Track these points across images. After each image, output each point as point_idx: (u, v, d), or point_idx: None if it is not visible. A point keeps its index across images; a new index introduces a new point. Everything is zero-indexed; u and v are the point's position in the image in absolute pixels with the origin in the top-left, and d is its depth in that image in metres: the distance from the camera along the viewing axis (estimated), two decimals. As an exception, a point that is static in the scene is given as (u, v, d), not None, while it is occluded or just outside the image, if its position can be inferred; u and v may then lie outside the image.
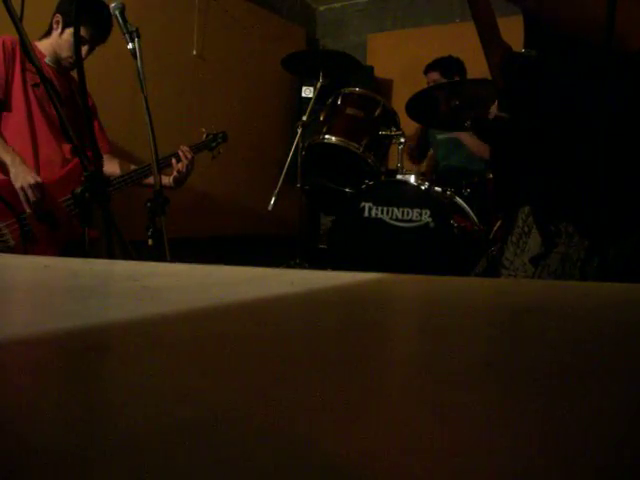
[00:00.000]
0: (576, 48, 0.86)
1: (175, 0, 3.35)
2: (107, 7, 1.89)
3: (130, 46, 1.64)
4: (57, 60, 2.04)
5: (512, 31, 1.15)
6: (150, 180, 2.01)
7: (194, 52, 3.49)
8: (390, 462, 0.14)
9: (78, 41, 1.08)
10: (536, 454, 0.14)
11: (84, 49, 1.97)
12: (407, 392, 0.20)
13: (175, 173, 2.15)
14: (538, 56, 0.94)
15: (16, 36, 1.84)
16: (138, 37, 1.65)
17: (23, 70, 1.92)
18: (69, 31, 1.97)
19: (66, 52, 2.00)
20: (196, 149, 2.25)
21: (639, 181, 0.85)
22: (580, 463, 0.14)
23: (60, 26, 1.98)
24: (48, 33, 2.03)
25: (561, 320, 0.33)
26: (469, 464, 0.14)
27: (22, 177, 1.79)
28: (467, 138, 2.90)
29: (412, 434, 0.16)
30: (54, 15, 1.98)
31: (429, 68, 3.19)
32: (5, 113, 1.91)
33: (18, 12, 1.10)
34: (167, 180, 2.17)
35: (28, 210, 1.81)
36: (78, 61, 1.26)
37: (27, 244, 1.81)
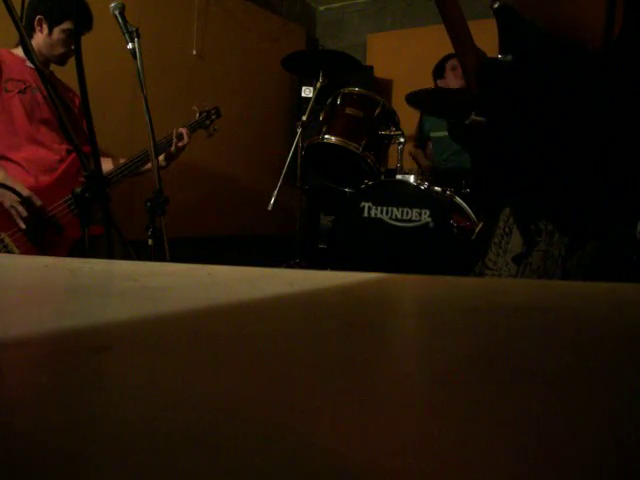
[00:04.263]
0: (551, 50, 0.87)
1: (175, 0, 3.35)
2: None
3: (130, 46, 1.64)
4: (42, 62, 2.02)
5: (485, 34, 1.15)
6: (147, 166, 2.00)
7: (194, 52, 3.50)
8: (389, 462, 0.14)
9: (78, 46, 1.07)
10: (534, 454, 0.14)
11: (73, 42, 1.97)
12: (406, 392, 0.20)
13: (172, 149, 2.12)
14: (514, 60, 0.95)
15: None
16: (138, 37, 1.65)
17: (2, 82, 1.90)
18: (58, 29, 1.96)
19: (59, 50, 1.98)
20: (191, 129, 2.20)
21: (617, 178, 0.85)
22: (580, 463, 0.14)
23: (46, 26, 1.96)
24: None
25: (561, 319, 0.33)
26: (468, 464, 0.14)
27: (8, 196, 1.78)
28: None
29: (411, 434, 0.16)
30: (33, 18, 1.95)
31: (451, 56, 3.12)
32: None
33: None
34: (159, 159, 2.14)
35: (23, 225, 1.80)
36: (78, 63, 1.25)
37: (34, 250, 1.81)
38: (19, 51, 1.98)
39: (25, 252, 1.79)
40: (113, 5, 1.67)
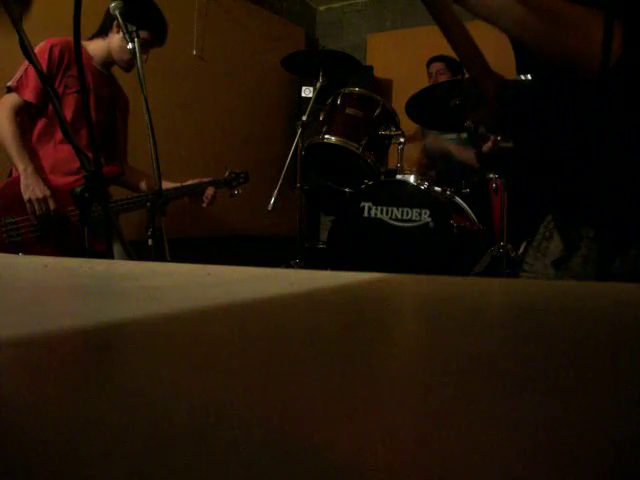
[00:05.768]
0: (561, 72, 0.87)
1: (175, 0, 3.35)
2: (160, 10, 1.91)
3: (130, 46, 1.64)
4: (108, 63, 2.04)
5: (483, 35, 1.12)
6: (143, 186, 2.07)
7: (194, 52, 3.50)
8: (390, 462, 0.14)
9: (78, 45, 1.07)
10: (537, 454, 0.14)
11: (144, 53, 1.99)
12: (408, 392, 0.20)
13: (203, 205, 2.24)
14: (533, 80, 0.95)
15: (68, 37, 1.86)
16: (138, 37, 1.65)
17: (64, 76, 1.91)
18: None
19: (128, 55, 1.98)
20: (215, 185, 2.27)
21: None
22: (580, 463, 0.14)
23: (122, 31, 1.97)
24: (101, 34, 2.02)
25: (565, 319, 0.33)
26: (469, 464, 0.14)
27: (31, 190, 1.81)
28: (455, 149, 2.92)
29: (412, 434, 0.16)
30: (112, 18, 1.96)
31: (433, 59, 3.21)
32: (40, 118, 1.92)
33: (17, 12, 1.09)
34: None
35: (34, 221, 1.83)
36: (78, 62, 1.25)
37: (34, 245, 1.83)
38: (91, 45, 1.99)
39: (26, 241, 1.82)
40: (113, 5, 1.66)
